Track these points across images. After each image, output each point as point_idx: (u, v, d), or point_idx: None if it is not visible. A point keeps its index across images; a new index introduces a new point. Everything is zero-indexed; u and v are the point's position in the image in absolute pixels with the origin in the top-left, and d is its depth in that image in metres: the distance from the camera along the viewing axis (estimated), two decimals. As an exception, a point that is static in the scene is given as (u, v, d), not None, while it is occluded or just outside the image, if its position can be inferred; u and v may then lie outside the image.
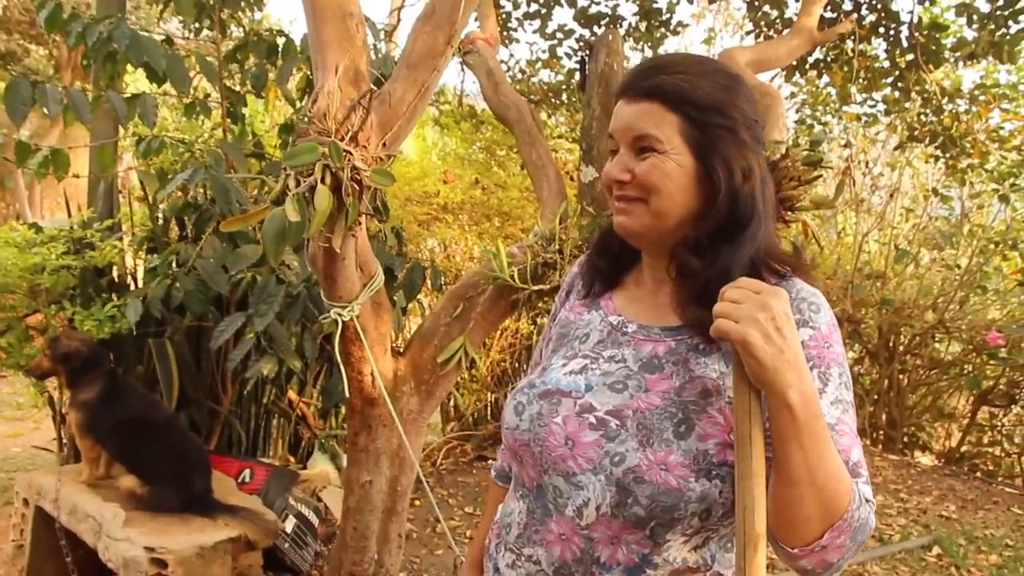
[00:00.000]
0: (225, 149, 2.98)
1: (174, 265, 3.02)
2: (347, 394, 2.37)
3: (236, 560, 2.67)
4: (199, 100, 3.28)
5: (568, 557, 1.11)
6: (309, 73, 3.29)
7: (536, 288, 2.52)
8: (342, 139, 1.95)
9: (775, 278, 1.12)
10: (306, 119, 3.26)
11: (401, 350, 2.61)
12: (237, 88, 3.48)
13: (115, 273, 3.52)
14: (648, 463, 1.05)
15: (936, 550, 4.37)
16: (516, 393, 1.22)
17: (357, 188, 1.95)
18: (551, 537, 1.13)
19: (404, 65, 2.14)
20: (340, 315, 2.25)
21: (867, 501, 1.02)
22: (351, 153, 1.94)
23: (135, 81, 7.12)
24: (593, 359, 1.19)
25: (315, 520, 3.41)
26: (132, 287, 3.54)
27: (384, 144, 2.06)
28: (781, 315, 0.95)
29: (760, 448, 0.97)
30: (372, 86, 2.06)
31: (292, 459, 4.15)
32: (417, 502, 4.18)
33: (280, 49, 3.28)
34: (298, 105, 3.45)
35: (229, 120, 3.37)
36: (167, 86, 3.00)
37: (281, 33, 3.31)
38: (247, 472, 3.29)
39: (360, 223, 2.06)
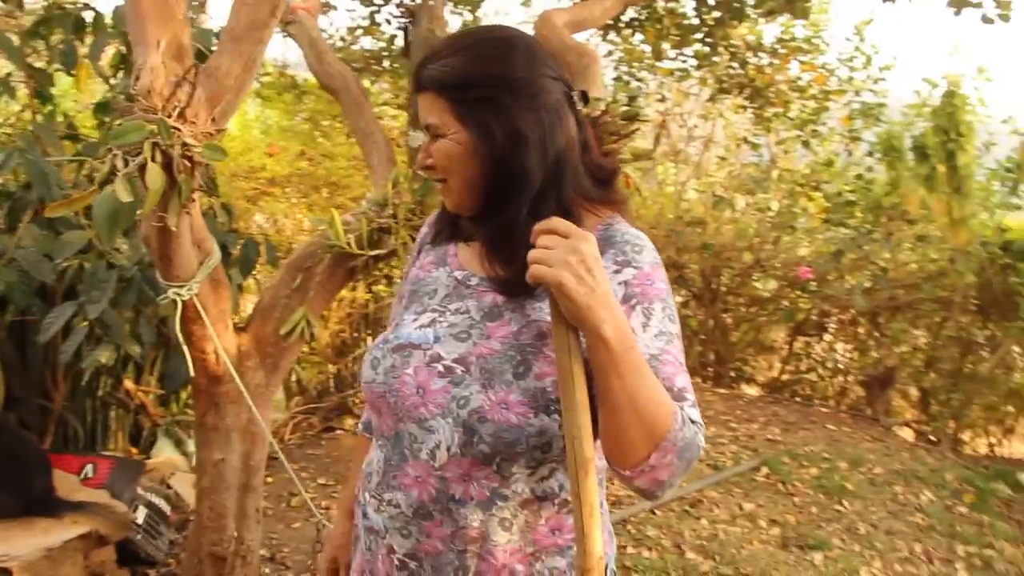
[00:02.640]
0: (38, 132, 2.83)
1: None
2: (192, 374, 2.34)
3: (88, 558, 2.60)
4: (2, 80, 3.09)
5: (425, 498, 1.19)
6: (123, 49, 3.16)
7: (373, 253, 2.56)
8: (169, 116, 1.91)
9: (599, 224, 1.22)
10: (125, 96, 3.16)
11: (242, 326, 2.59)
12: (43, 66, 3.30)
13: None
14: (490, 403, 1.13)
15: (764, 470, 4.73)
16: (372, 349, 1.29)
17: (189, 165, 1.92)
18: (408, 481, 1.20)
19: (229, 38, 2.11)
20: (179, 295, 2.21)
21: (693, 422, 1.11)
22: (180, 130, 1.90)
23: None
24: (441, 312, 1.26)
25: (167, 508, 3.34)
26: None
27: (213, 119, 2.03)
28: (590, 257, 1.03)
29: (582, 381, 1.06)
30: (196, 61, 2.02)
31: (134, 450, 4.02)
32: (269, 479, 4.14)
33: (89, 24, 3.12)
34: (113, 82, 3.30)
35: (37, 101, 3.20)
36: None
37: (88, 6, 3.15)
38: (89, 467, 3.17)
39: (194, 200, 2.03)
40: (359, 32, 6.62)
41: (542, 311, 1.19)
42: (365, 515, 1.30)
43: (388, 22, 6.32)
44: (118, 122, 1.95)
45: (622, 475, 1.11)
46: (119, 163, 1.88)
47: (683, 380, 1.15)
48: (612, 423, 1.07)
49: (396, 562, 1.24)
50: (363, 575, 1.33)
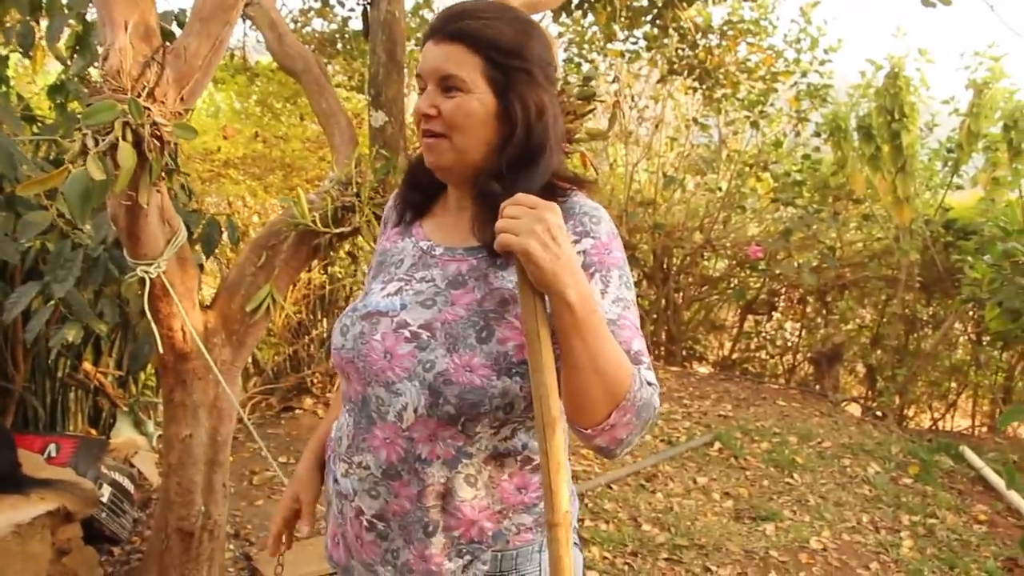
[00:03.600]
0: (-2, 113, 2.83)
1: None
2: (160, 351, 2.38)
3: (55, 535, 2.62)
4: (-43, 62, 3.08)
5: (394, 458, 1.25)
6: (79, 30, 3.15)
7: (337, 231, 2.61)
8: (139, 96, 1.95)
9: (561, 196, 1.28)
10: (80, 79, 3.15)
11: (208, 304, 2.62)
12: (-3, 48, 3.28)
13: None
14: (455, 366, 1.20)
15: (717, 445, 4.86)
16: (342, 317, 1.35)
17: (159, 143, 1.96)
18: (376, 443, 1.26)
19: (196, 19, 2.14)
20: (147, 272, 2.25)
21: (649, 384, 1.18)
22: (150, 109, 1.94)
23: None
24: (407, 281, 1.32)
25: (130, 487, 3.37)
26: None
27: (182, 99, 2.07)
28: (555, 226, 1.09)
29: (547, 344, 1.12)
30: (164, 41, 2.06)
31: (94, 431, 4.03)
32: (231, 458, 4.17)
33: (43, 4, 3.11)
34: (69, 64, 3.29)
35: (-8, 82, 3.19)
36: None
37: (42, -13, 3.13)
38: (52, 447, 3.19)
39: (163, 178, 2.06)
40: (311, 14, 6.62)
41: (504, 279, 1.25)
42: (335, 480, 1.36)
43: (340, 3, 6.33)
44: (88, 102, 1.97)
45: (583, 433, 1.17)
46: (90, 142, 1.91)
47: (639, 344, 1.22)
48: (574, 383, 1.13)
49: (365, 523, 1.29)
50: (335, 538, 1.39)
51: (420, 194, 1.41)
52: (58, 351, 3.63)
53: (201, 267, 3.27)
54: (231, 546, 3.32)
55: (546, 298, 1.12)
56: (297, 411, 5.11)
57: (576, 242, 1.23)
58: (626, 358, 1.15)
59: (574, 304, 1.08)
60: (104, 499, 3.14)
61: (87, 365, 3.87)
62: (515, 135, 1.23)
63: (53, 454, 3.16)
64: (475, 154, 1.25)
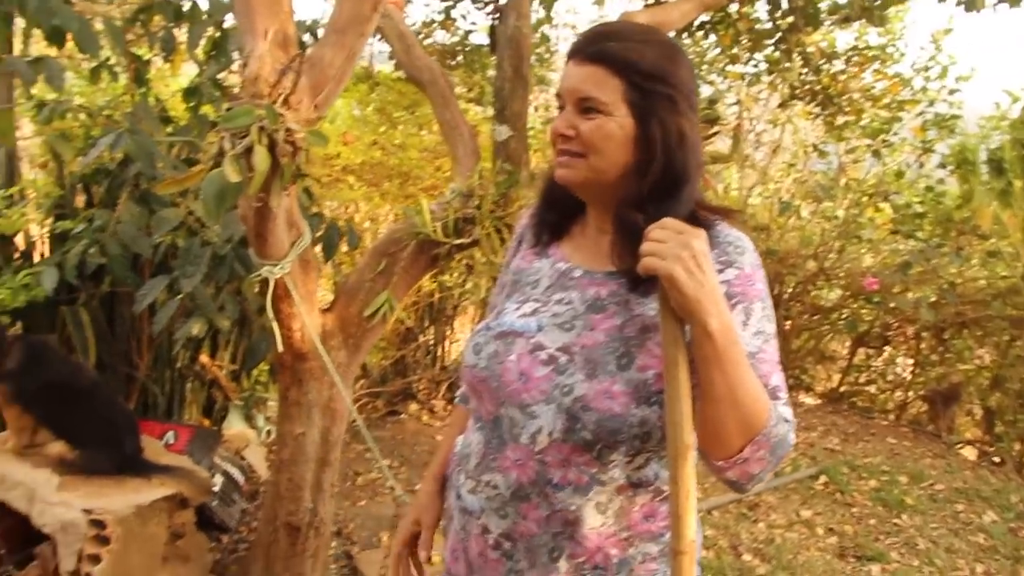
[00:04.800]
0: (139, 113, 2.97)
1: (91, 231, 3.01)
2: (280, 349, 2.45)
3: (171, 518, 2.72)
4: (105, 64, 3.24)
5: (524, 481, 1.23)
6: (216, 37, 3.28)
7: (457, 242, 2.65)
8: (274, 102, 2.02)
9: (705, 223, 1.24)
10: (219, 82, 3.28)
11: (327, 307, 2.69)
12: (140, 51, 3.44)
13: (21, 242, 3.46)
14: (594, 393, 1.18)
15: (823, 479, 4.72)
16: (474, 335, 1.34)
17: (291, 149, 2.03)
18: (507, 463, 1.25)
19: (332, 30, 2.21)
20: (271, 272, 2.32)
21: (786, 420, 1.16)
22: (284, 115, 2.01)
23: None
24: (543, 302, 1.31)
25: (240, 479, 3.48)
26: (36, 256, 3.50)
27: (315, 107, 2.14)
28: (701, 253, 1.08)
29: (685, 371, 1.10)
30: (300, 50, 2.13)
31: (207, 422, 4.17)
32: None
33: (186, 12, 3.26)
34: (205, 69, 3.43)
35: (134, 84, 3.34)
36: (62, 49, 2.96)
37: (186, -6, 3.28)
38: (171, 434, 3.32)
39: (294, 183, 2.13)
40: (434, 26, 6.74)
41: (645, 306, 1.23)
42: (459, 496, 1.35)
43: (463, 17, 6.41)
44: (227, 107, 2.05)
45: (715, 465, 1.16)
46: (227, 145, 1.99)
47: (778, 379, 1.20)
48: (711, 414, 1.11)
49: (491, 542, 1.29)
50: (455, 553, 1.38)
51: (557, 214, 1.39)
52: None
53: (320, 270, 3.37)
54: (333, 544, 3.39)
55: (686, 326, 1.11)
56: (402, 416, 5.18)
57: (719, 272, 1.20)
58: (764, 392, 1.14)
59: (715, 333, 1.07)
60: (216, 488, 3.25)
61: (204, 357, 4.02)
62: (654, 161, 1.20)
63: (171, 441, 3.29)
64: (611, 176, 1.23)
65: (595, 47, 1.22)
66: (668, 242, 1.08)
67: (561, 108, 1.26)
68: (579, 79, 1.22)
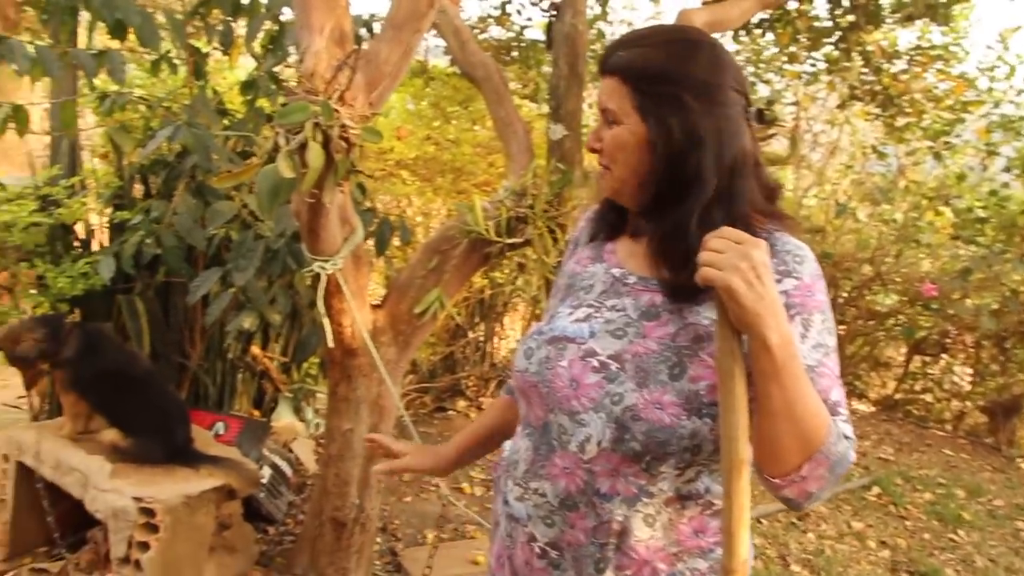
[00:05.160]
0: (197, 106, 3.00)
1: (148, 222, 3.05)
2: (330, 345, 2.45)
3: (218, 509, 2.75)
4: (165, 57, 3.28)
5: (572, 489, 1.21)
6: (274, 31, 3.30)
7: (509, 241, 2.63)
8: (329, 98, 2.02)
9: (763, 232, 1.21)
10: (276, 76, 3.30)
11: (378, 303, 2.69)
12: (199, 45, 3.47)
13: (80, 230, 3.52)
14: (644, 402, 1.15)
15: (876, 489, 4.64)
16: (526, 339, 1.32)
17: (346, 145, 2.02)
18: (555, 471, 1.23)
19: (389, 26, 2.20)
20: (323, 268, 2.33)
21: (846, 437, 1.12)
22: (339, 111, 2.00)
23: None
24: (597, 308, 1.28)
25: (288, 471, 3.50)
26: (96, 245, 3.55)
27: (370, 103, 2.13)
28: (760, 264, 1.04)
29: (742, 384, 1.06)
30: (356, 46, 2.12)
31: (256, 413, 4.20)
32: (382, 453, 4.27)
33: (245, 6, 3.28)
34: (262, 63, 3.45)
35: (193, 77, 3.38)
36: (124, 42, 3.00)
37: (244, -12, 3.31)
38: (220, 425, 3.36)
39: (348, 179, 2.13)
40: (489, 21, 6.72)
41: (699, 315, 1.20)
42: (506, 502, 1.33)
43: (519, 12, 6.39)
44: (282, 102, 2.05)
45: (771, 483, 1.13)
46: (281, 140, 1.99)
47: (838, 394, 1.16)
48: (767, 429, 1.08)
49: (537, 550, 1.26)
50: (500, 560, 1.37)
51: (617, 214, 1.37)
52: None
53: (371, 265, 3.38)
54: (378, 540, 3.39)
55: (743, 338, 1.08)
56: (450, 412, 5.19)
57: (778, 282, 1.16)
58: (824, 408, 1.10)
59: (774, 347, 1.04)
60: (264, 480, 3.27)
61: (256, 349, 4.05)
62: (658, 161, 1.19)
63: (221, 432, 3.32)
64: (633, 184, 1.24)
65: (609, 59, 1.24)
66: (727, 252, 1.05)
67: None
68: (601, 92, 1.24)
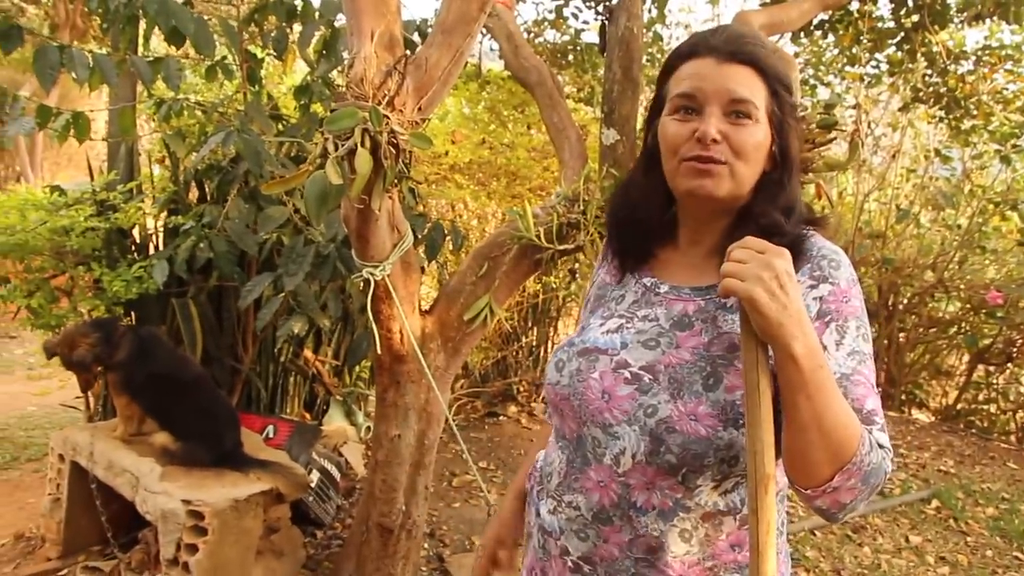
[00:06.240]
0: (250, 112, 3.01)
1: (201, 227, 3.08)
2: (378, 351, 2.44)
3: (266, 513, 2.76)
4: (220, 63, 3.30)
5: (606, 503, 1.19)
6: (327, 36, 3.31)
7: (560, 248, 2.59)
8: (379, 103, 2.00)
9: (800, 237, 1.19)
10: (324, 82, 3.30)
11: (427, 309, 2.68)
12: (254, 50, 3.50)
13: (137, 235, 3.57)
14: (679, 414, 1.12)
15: (935, 503, 4.49)
16: (557, 351, 1.30)
17: (395, 151, 2.00)
18: (590, 484, 1.20)
19: (439, 31, 2.18)
20: (372, 274, 2.31)
21: (881, 447, 1.08)
22: (388, 117, 1.99)
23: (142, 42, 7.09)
24: (628, 319, 1.26)
25: (337, 475, 3.51)
26: (151, 249, 3.60)
27: (420, 108, 2.11)
28: (783, 273, 1.02)
29: (767, 397, 1.04)
30: (406, 51, 2.11)
31: (308, 416, 4.23)
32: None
33: (298, 11, 3.29)
34: (315, 68, 3.47)
35: (248, 83, 3.40)
36: (180, 49, 3.02)
37: (299, -6, 3.32)
38: (271, 428, 3.37)
39: (396, 185, 2.11)
40: (545, 25, 6.69)
41: (734, 323, 1.17)
42: (539, 514, 1.31)
43: (575, 16, 6.35)
44: (331, 108, 2.04)
45: (804, 494, 1.09)
46: (330, 146, 1.98)
47: (873, 402, 1.12)
48: (796, 442, 1.05)
49: (570, 564, 1.24)
50: (532, 572, 1.34)
51: (640, 240, 1.33)
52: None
53: (422, 269, 3.37)
54: (426, 545, 3.38)
55: (769, 349, 1.04)
56: (501, 417, 5.16)
57: (813, 287, 1.15)
58: (854, 418, 1.06)
59: (800, 358, 1.00)
60: (312, 484, 3.28)
61: (307, 352, 4.07)
62: (783, 176, 1.18)
63: (271, 435, 3.34)
64: (747, 186, 1.19)
65: (742, 48, 1.17)
66: (749, 262, 1.03)
67: (688, 109, 1.18)
68: (731, 79, 1.15)
